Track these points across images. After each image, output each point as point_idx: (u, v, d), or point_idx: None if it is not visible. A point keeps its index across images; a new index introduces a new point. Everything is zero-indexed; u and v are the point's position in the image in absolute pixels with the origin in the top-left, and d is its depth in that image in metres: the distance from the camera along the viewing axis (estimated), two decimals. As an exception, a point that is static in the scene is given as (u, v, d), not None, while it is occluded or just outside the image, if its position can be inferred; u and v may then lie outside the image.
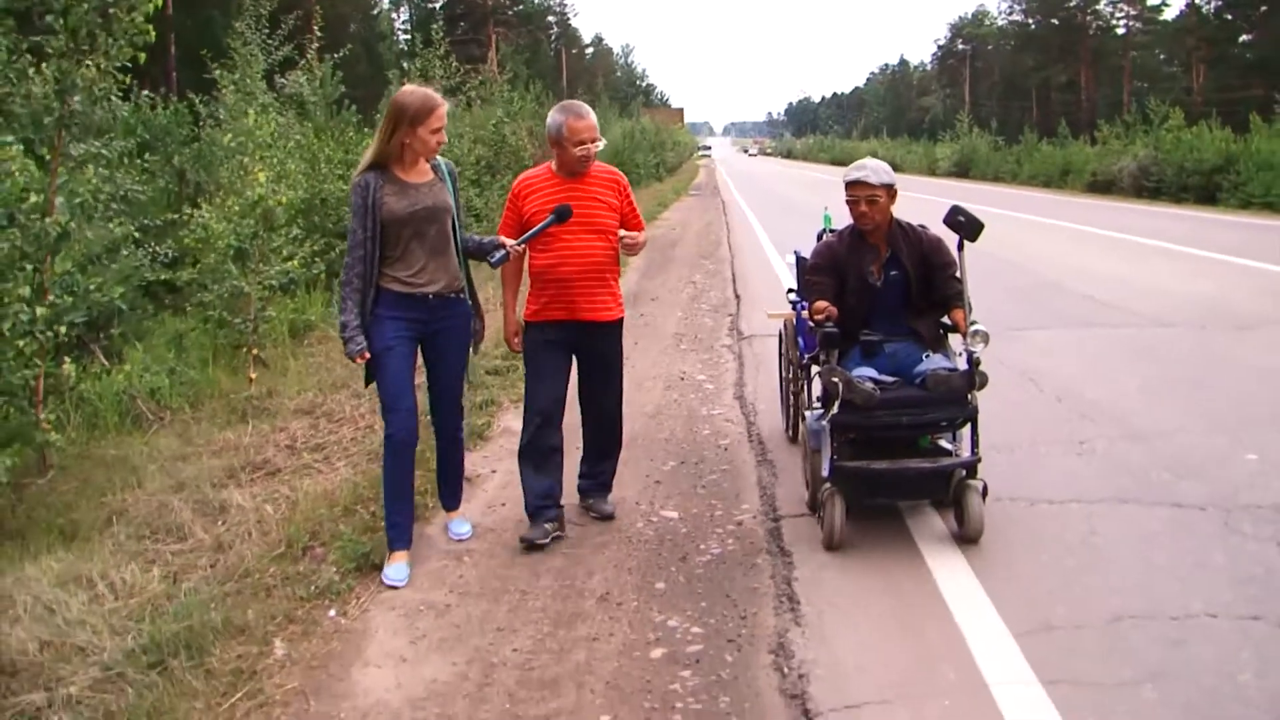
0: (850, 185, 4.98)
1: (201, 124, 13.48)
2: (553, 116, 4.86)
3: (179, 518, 5.09)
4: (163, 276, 9.53)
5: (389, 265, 4.50)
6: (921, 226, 5.13)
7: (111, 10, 6.22)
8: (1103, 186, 41.07)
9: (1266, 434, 6.07)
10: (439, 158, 4.67)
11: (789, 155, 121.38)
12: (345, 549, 4.58)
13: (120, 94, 7.91)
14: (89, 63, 6.18)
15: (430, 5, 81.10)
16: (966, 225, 4.68)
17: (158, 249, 9.32)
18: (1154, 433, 6.18)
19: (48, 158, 6.17)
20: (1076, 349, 8.66)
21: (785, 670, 3.59)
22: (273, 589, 4.24)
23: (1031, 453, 5.91)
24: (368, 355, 4.40)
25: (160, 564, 4.59)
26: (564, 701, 3.44)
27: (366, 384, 4.68)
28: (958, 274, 4.91)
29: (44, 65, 6.36)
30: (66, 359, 6.41)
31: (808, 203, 31.87)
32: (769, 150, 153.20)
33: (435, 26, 26.51)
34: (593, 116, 4.85)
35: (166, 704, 3.34)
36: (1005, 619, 3.88)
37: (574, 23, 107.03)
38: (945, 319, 5.08)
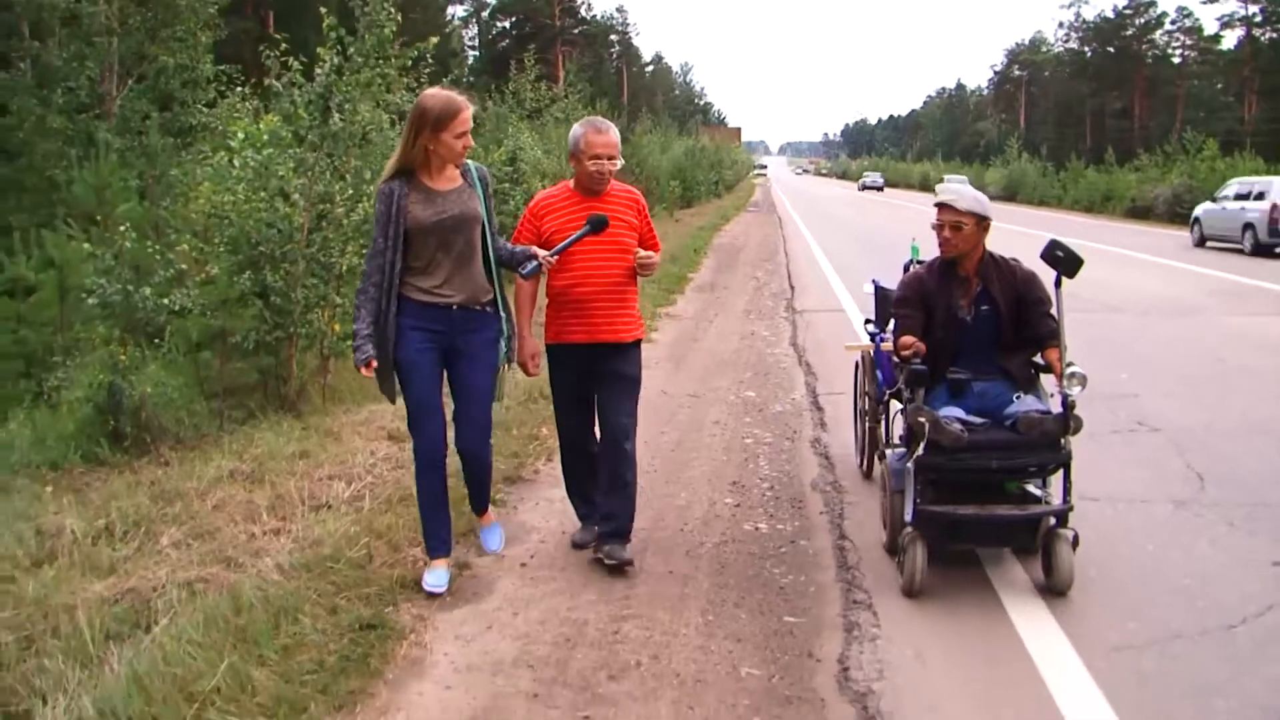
0: (938, 209, 4.80)
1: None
2: (575, 130, 4.81)
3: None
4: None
5: (412, 275, 4.35)
6: (1015, 260, 4.93)
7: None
8: (1140, 212, 43.38)
9: (1141, 367, 9.18)
10: (470, 163, 4.51)
11: (844, 176, 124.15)
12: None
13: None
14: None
15: (500, 24, 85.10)
16: (1065, 260, 4.48)
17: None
18: (1070, 366, 9.27)
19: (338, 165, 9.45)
20: (1044, 323, 11.75)
21: (818, 447, 6.79)
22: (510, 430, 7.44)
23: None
24: (375, 364, 4.26)
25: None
26: (698, 455, 6.64)
27: (390, 395, 4.55)
28: (1053, 311, 4.74)
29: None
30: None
31: (855, 219, 35.53)
32: (824, 170, 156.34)
33: (504, 44, 29.84)
34: (614, 134, 4.76)
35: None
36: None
37: (635, 41, 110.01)
38: (1037, 358, 4.86)
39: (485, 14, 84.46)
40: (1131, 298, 13.91)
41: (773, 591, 4.53)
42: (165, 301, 7.33)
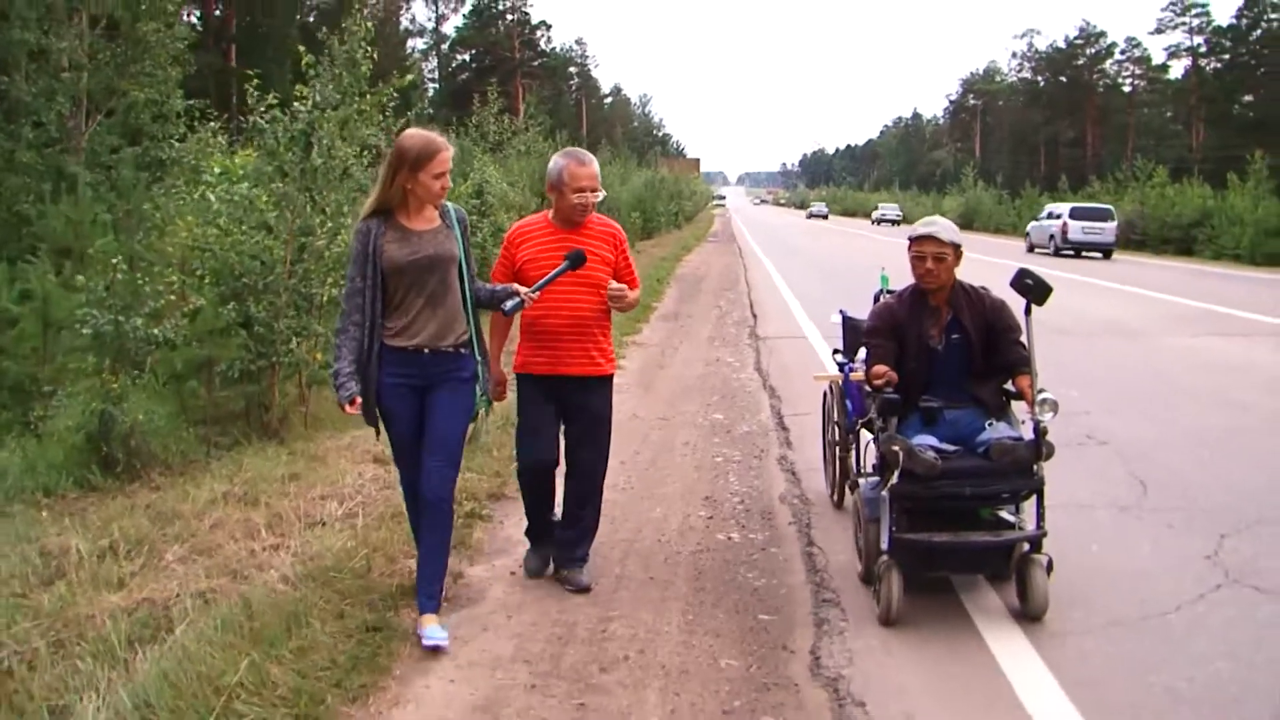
0: (917, 240, 4.83)
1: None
2: (555, 161, 4.81)
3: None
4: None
5: (386, 316, 4.35)
6: (984, 288, 5.00)
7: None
8: (1094, 239, 44.35)
9: (1090, 386, 9.63)
10: (448, 204, 4.52)
11: (802, 206, 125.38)
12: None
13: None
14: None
15: (459, 56, 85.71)
16: (1035, 288, 4.55)
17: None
18: (1023, 385, 9.74)
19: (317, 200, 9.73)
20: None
21: (784, 464, 7.15)
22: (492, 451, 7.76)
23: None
24: (359, 401, 4.26)
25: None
26: (671, 473, 6.98)
27: (376, 426, 4.53)
28: (1023, 339, 4.81)
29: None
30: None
31: (812, 248, 36.41)
32: (783, 200, 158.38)
33: (464, 77, 30.41)
34: (595, 165, 4.80)
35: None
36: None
37: (594, 73, 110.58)
38: (1008, 385, 4.92)
39: (445, 47, 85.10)
40: (1081, 321, 14.42)
41: (747, 593, 4.87)
42: (156, 332, 7.59)
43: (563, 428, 4.98)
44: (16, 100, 17.73)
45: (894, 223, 66.25)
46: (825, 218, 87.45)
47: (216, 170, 12.10)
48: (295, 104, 8.66)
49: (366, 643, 4.17)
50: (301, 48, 9.92)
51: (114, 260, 8.02)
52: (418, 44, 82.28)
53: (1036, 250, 36.12)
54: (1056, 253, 34.40)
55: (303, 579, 4.76)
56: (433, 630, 4.29)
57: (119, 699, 3.57)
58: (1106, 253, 34.32)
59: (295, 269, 8.58)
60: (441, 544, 4.45)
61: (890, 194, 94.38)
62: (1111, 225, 34.86)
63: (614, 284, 4.79)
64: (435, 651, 4.22)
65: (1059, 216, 35.46)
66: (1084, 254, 34.30)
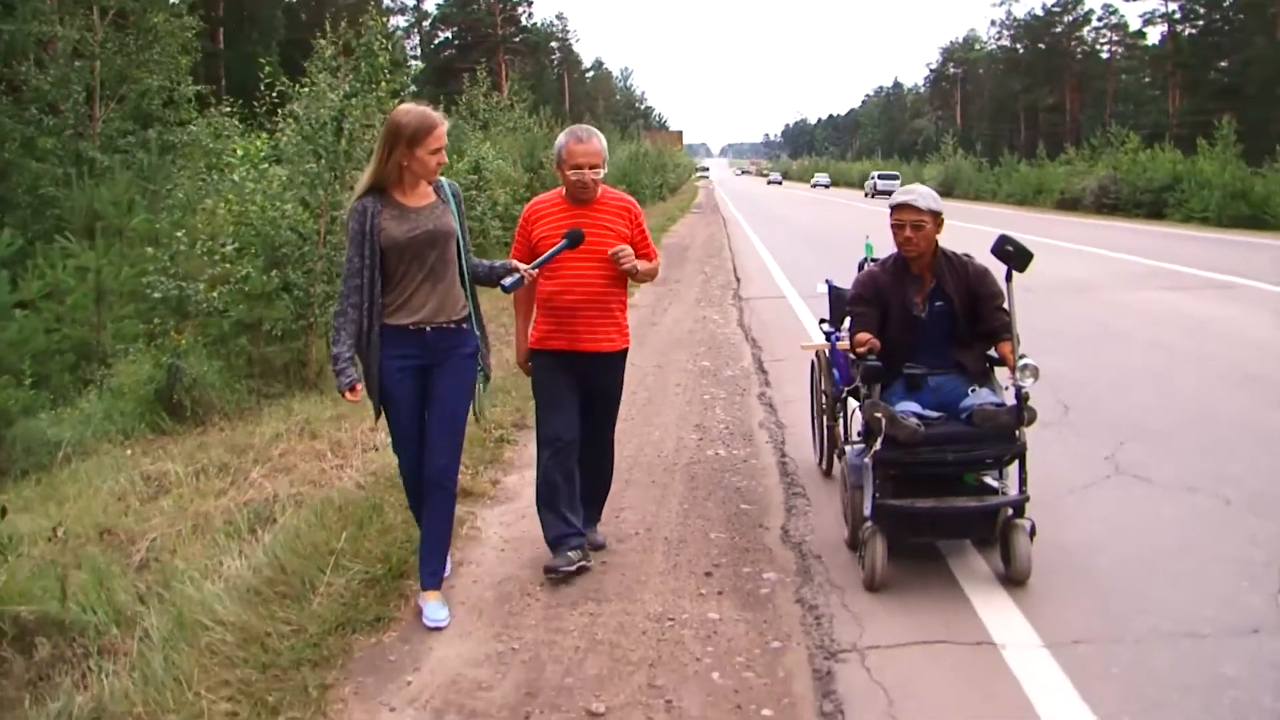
0: (896, 209, 4.86)
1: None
2: (559, 139, 4.87)
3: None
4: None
5: (386, 294, 4.26)
6: (967, 256, 5.02)
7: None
8: (1069, 204, 45.48)
9: (1037, 333, 10.59)
10: (442, 178, 4.47)
11: (785, 176, 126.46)
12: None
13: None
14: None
15: (441, 34, 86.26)
16: (1016, 255, 4.58)
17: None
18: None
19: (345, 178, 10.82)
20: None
21: (763, 399, 8.29)
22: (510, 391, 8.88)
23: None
24: (359, 388, 4.24)
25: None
26: (666, 406, 8.11)
27: (377, 416, 4.48)
28: (1005, 305, 4.84)
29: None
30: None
31: (793, 216, 37.69)
32: (764, 171, 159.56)
33: (447, 54, 31.07)
34: (597, 142, 4.78)
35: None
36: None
37: (575, 48, 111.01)
38: (991, 351, 4.97)
39: (426, 24, 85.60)
40: (1044, 280, 15.49)
41: (731, 491, 6.03)
42: (214, 296, 8.69)
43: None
44: (37, 89, 18.74)
45: (825, 186, 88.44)
46: (780, 184, 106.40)
47: (239, 153, 13.13)
48: (327, 92, 9.74)
49: (432, 526, 5.29)
50: (323, 40, 11.00)
51: (178, 234, 9.11)
52: (399, 21, 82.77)
53: (865, 197, 62.13)
54: (871, 197, 59.41)
55: (372, 485, 5.90)
56: (434, 608, 4.37)
57: (257, 558, 4.72)
58: None
59: (328, 239, 9.68)
60: (446, 526, 4.50)
61: (872, 163, 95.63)
62: (897, 181, 55.73)
63: (616, 247, 4.72)
64: (437, 630, 4.29)
65: (873, 178, 65.75)
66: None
